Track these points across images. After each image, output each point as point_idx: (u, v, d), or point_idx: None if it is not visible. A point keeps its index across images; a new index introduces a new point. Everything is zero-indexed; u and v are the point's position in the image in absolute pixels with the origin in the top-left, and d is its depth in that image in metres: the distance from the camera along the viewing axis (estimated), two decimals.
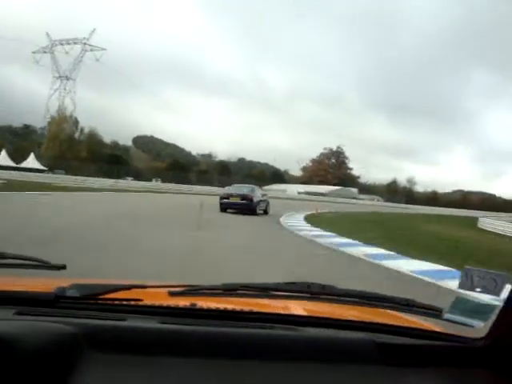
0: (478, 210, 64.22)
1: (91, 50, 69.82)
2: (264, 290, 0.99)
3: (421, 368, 0.82)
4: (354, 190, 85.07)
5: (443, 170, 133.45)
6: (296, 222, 16.77)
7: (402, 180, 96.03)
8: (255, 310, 1.00)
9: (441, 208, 63.70)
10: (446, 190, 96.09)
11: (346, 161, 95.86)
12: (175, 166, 70.28)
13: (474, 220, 30.68)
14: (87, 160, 60.35)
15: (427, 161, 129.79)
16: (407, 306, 0.97)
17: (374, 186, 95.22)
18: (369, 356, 0.82)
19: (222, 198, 19.15)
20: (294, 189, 72.39)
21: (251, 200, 18.53)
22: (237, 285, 0.98)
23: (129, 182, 46.81)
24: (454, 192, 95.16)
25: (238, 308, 0.99)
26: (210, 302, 1.03)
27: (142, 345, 0.78)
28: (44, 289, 0.96)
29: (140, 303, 0.94)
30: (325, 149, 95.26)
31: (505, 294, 0.82)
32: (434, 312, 0.94)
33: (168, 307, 0.95)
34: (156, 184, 51.67)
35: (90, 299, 0.93)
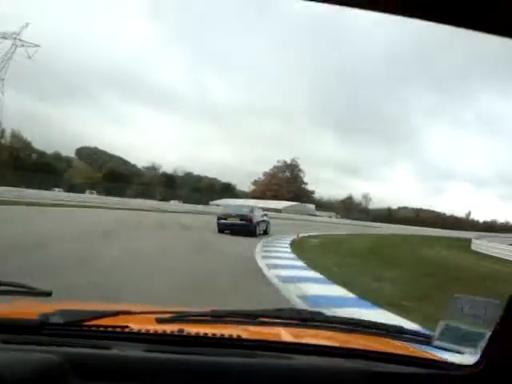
0: (431, 227, 65.74)
1: (22, 46, 61.32)
2: (252, 317, 0.98)
3: None
4: (312, 206, 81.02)
5: (389, 187, 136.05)
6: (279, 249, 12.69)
7: (357, 196, 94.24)
8: (244, 336, 0.97)
9: (409, 226, 61.09)
10: (393, 207, 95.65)
11: (301, 174, 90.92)
12: (113, 176, 63.30)
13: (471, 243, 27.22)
14: (7, 166, 51.70)
15: (374, 177, 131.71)
16: (397, 332, 0.97)
17: (330, 202, 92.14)
18: (357, 383, 0.81)
19: (219, 219, 17.96)
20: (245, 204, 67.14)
21: (250, 221, 17.36)
22: (225, 311, 0.98)
23: (57, 194, 42.01)
24: (400, 209, 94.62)
25: (226, 335, 0.97)
26: (198, 329, 1.00)
27: (127, 374, 0.77)
28: (29, 315, 0.92)
29: (126, 330, 0.92)
30: (278, 161, 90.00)
31: (494, 321, 0.82)
32: (424, 339, 0.94)
33: (155, 334, 0.93)
34: (87, 196, 47.39)
35: (76, 325, 0.90)
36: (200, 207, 49.80)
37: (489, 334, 0.82)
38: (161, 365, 0.80)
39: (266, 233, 18.91)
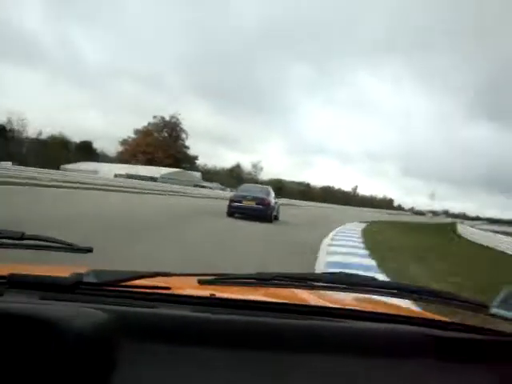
0: (320, 202, 65.75)
1: None
2: (301, 280, 0.95)
3: (475, 363, 0.79)
4: (197, 175, 66.31)
5: (264, 160, 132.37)
6: None
7: (246, 166, 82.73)
8: (292, 301, 0.97)
9: (304, 202, 52.38)
10: (265, 178, 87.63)
11: (184, 135, 74.20)
12: None
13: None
14: None
15: (249, 150, 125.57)
16: (450, 299, 0.94)
17: (216, 170, 78.74)
18: (425, 350, 0.79)
19: (232, 201, 16.01)
20: (109, 169, 49.79)
21: (268, 205, 15.66)
22: (271, 274, 0.93)
23: None
24: (289, 182, 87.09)
25: (272, 299, 0.97)
26: (242, 292, 1.00)
27: (179, 333, 0.75)
28: (65, 274, 0.89)
29: (168, 291, 0.89)
30: (154, 117, 72.86)
31: None
32: (478, 306, 0.90)
33: (198, 296, 0.91)
34: None
35: (113, 286, 0.87)
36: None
37: None
38: (211, 325, 0.77)
39: (276, 218, 16.88)
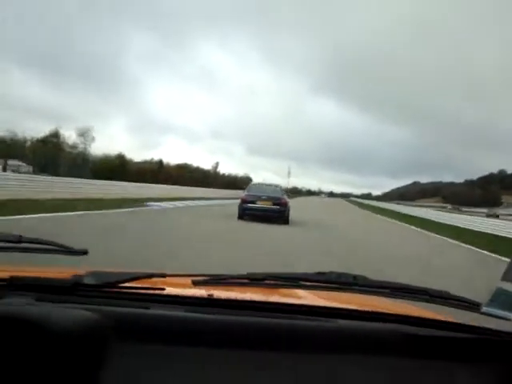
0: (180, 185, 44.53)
1: None
2: (292, 280, 0.97)
3: (453, 362, 0.80)
4: None
5: (104, 137, 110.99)
6: None
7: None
8: (283, 300, 0.99)
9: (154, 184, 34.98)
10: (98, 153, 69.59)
11: None
12: None
13: None
14: None
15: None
16: (441, 298, 0.94)
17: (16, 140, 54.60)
18: (398, 348, 0.80)
19: (244, 202, 14.57)
20: None
21: (285, 205, 14.63)
22: (263, 274, 0.95)
23: None
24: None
25: (264, 298, 0.99)
26: (235, 292, 1.01)
27: (169, 333, 0.76)
28: (63, 276, 0.93)
29: (162, 292, 0.91)
30: None
31: None
32: (470, 305, 0.91)
33: (192, 297, 0.94)
34: None
35: (110, 287, 0.89)
36: None
37: None
38: (203, 324, 0.79)
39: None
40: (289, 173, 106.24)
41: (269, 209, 14.50)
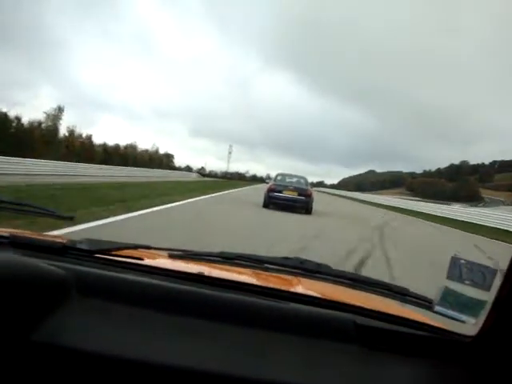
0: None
1: None
2: (259, 262, 1.03)
3: (399, 354, 0.81)
4: None
5: (30, 112, 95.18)
6: None
7: None
8: (247, 280, 1.04)
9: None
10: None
11: None
12: None
13: None
14: None
15: (5, 99, 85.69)
16: (400, 294, 0.97)
17: None
18: (347, 336, 0.82)
19: (270, 191, 15.09)
20: None
21: (310, 196, 15.21)
22: (234, 254, 1.03)
23: None
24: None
25: (232, 277, 1.03)
26: (206, 268, 1.05)
27: (128, 296, 0.80)
28: (59, 239, 1.02)
29: (140, 262, 0.98)
30: None
31: (494, 289, 0.81)
32: (425, 303, 0.93)
33: (166, 269, 0.98)
34: None
35: (96, 253, 0.97)
36: None
37: (489, 302, 0.80)
38: (166, 292, 0.82)
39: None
40: (229, 155, 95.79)
41: (294, 199, 14.93)
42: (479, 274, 0.81)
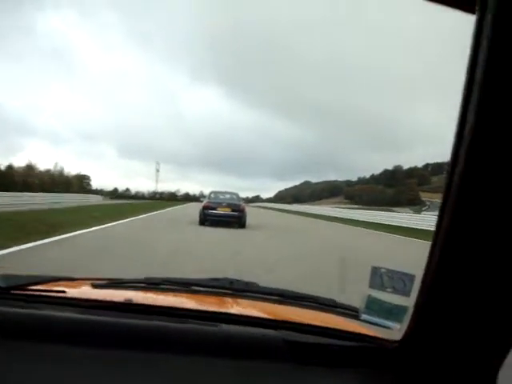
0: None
1: None
2: (186, 285, 1.02)
3: (331, 368, 0.82)
4: None
5: None
6: None
7: None
8: (175, 305, 0.99)
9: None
10: None
11: None
12: None
13: None
14: None
15: None
16: (329, 306, 0.99)
17: None
18: (279, 353, 0.81)
19: (206, 209, 15.99)
20: None
21: (242, 211, 16.22)
22: (159, 279, 1.01)
23: None
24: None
25: (158, 302, 0.99)
26: (131, 296, 1.00)
27: (51, 334, 0.78)
28: None
29: (62, 295, 0.94)
30: None
31: (414, 294, 0.84)
32: (352, 312, 0.95)
33: (89, 300, 0.94)
34: None
35: (14, 289, 0.92)
36: None
37: (411, 307, 0.81)
38: (89, 327, 0.80)
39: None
40: (157, 173, 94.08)
41: (228, 215, 15.79)
42: (399, 281, 0.84)
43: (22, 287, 0.93)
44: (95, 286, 0.99)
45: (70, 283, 1.05)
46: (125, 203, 42.13)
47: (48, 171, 66.61)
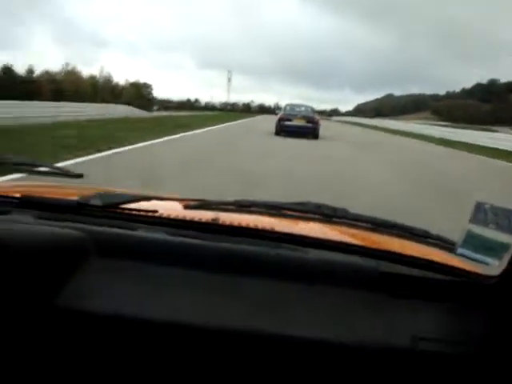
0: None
1: None
2: (275, 209, 1.03)
3: (424, 301, 0.81)
4: None
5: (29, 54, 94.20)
6: None
7: None
8: (265, 227, 1.00)
9: None
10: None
11: None
12: None
13: None
14: None
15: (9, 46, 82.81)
16: (421, 236, 0.97)
17: None
18: (371, 283, 0.81)
19: (281, 120, 17.07)
20: None
21: (317, 123, 17.22)
22: (249, 201, 1.02)
23: None
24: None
25: (250, 225, 1.00)
26: (223, 217, 1.03)
27: (148, 254, 0.80)
28: (67, 196, 1.00)
29: (155, 214, 0.97)
30: None
31: None
32: (448, 245, 0.92)
33: (181, 220, 0.97)
34: None
35: (111, 208, 0.94)
36: None
37: None
38: (181, 247, 0.82)
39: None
40: (228, 83, 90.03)
41: (303, 126, 16.84)
42: (504, 218, 0.80)
43: (117, 205, 0.95)
44: (187, 207, 1.00)
45: (160, 202, 1.07)
46: (170, 115, 33.23)
47: (93, 77, 58.33)
